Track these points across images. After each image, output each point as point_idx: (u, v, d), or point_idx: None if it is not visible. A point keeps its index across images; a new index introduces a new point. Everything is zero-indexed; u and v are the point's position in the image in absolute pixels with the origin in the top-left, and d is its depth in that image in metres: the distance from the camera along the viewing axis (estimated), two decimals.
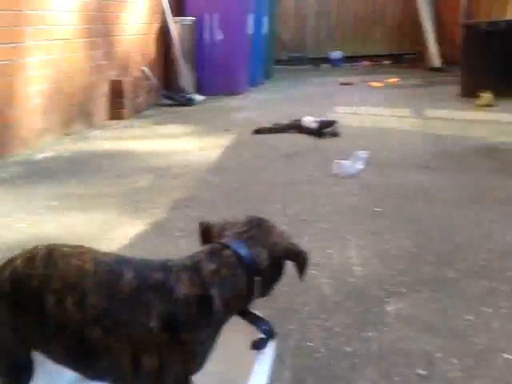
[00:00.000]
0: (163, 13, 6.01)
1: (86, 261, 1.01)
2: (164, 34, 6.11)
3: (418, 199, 2.66)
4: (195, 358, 1.01)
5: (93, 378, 1.07)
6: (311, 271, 1.92)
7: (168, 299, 0.97)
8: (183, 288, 0.99)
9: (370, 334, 1.56)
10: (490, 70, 5.22)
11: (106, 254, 1.06)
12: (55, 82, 4.22)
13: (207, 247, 1.09)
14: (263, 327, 1.13)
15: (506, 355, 1.42)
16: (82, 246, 1.07)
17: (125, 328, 0.97)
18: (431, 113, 4.93)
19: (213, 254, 1.05)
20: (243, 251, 1.05)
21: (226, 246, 1.06)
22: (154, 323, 0.96)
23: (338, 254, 2.08)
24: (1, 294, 1.03)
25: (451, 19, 8.04)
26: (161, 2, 6.00)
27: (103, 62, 4.94)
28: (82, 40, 4.57)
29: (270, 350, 1.12)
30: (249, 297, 1.08)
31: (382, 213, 2.49)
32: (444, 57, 8.04)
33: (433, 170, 3.16)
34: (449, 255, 2.02)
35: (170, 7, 5.96)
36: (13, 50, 3.71)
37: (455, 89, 5.80)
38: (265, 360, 1.10)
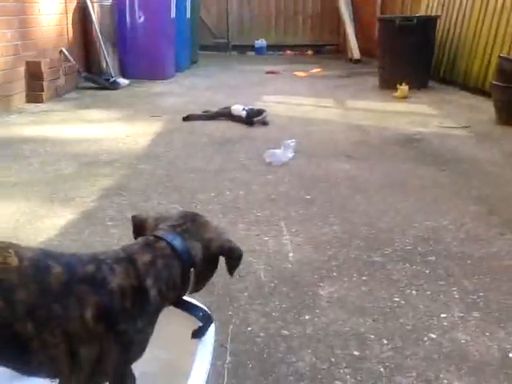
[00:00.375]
0: None
1: (8, 256, 0.97)
2: (82, 15, 5.85)
3: (344, 187, 2.79)
4: (133, 347, 1.03)
5: (29, 374, 1.05)
6: (248, 258, 1.98)
7: (102, 291, 0.97)
8: (118, 279, 0.99)
9: (306, 317, 1.64)
10: (404, 64, 5.52)
11: (29, 248, 1.03)
12: None
13: (141, 239, 1.09)
14: (200, 314, 1.16)
15: (431, 335, 1.55)
16: (2, 242, 1.03)
17: (58, 322, 0.95)
18: (353, 103, 5.15)
19: (147, 246, 1.06)
20: (178, 243, 1.07)
21: (161, 238, 1.07)
22: (88, 315, 0.96)
23: (272, 241, 2.14)
24: None
25: (369, 13, 8.39)
26: None
27: (18, 42, 4.65)
28: None
29: (210, 336, 1.16)
30: (183, 288, 1.10)
31: (313, 200, 2.59)
32: (363, 49, 8.38)
33: (356, 158, 3.31)
34: (375, 240, 2.15)
35: None
36: None
37: (374, 80, 6.08)
38: (206, 346, 1.13)
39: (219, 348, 1.44)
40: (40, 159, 3.17)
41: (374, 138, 3.84)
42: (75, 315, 0.95)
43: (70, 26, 5.66)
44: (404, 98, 5.25)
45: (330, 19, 9.98)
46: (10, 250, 0.98)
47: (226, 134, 3.90)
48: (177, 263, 1.06)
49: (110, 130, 3.96)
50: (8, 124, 4.04)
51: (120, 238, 2.10)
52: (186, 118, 4.30)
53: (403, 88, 5.28)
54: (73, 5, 5.72)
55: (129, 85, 5.86)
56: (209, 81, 6.55)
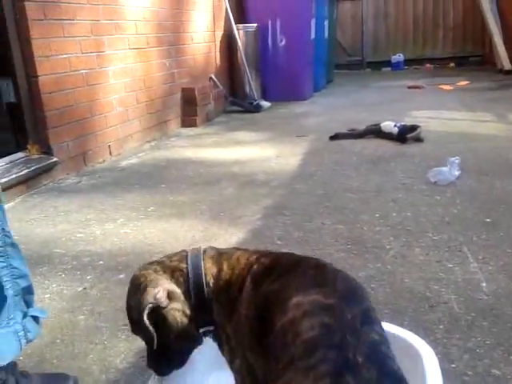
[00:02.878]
0: (226, 20, 6.04)
1: None
2: (228, 42, 6.13)
3: None
4: None
5: None
6: (434, 286, 1.83)
7: None
8: None
9: None
10: None
11: None
12: (133, 90, 4.29)
13: None
14: None
15: None
16: None
17: None
18: None
19: None
20: None
21: None
22: None
23: (459, 269, 1.95)
24: None
25: None
26: (223, 10, 6.02)
27: (175, 71, 4.99)
28: (154, 49, 4.64)
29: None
30: None
31: (495, 224, 2.34)
32: None
33: None
34: None
35: (233, 14, 5.98)
36: (95, 59, 3.79)
37: None
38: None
39: None
40: (202, 179, 3.32)
41: None
42: None
43: (218, 53, 5.97)
44: None
45: (473, 29, 9.37)
46: None
47: (378, 152, 3.76)
48: None
49: (259, 150, 4.04)
50: (169, 147, 4.33)
51: None
52: (333, 137, 4.25)
53: None
54: (220, 32, 6.04)
55: (270, 107, 5.99)
56: (347, 99, 6.46)
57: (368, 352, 0.76)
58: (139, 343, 1.59)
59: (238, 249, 1.11)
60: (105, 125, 3.91)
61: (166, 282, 1.05)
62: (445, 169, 2.91)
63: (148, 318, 1.00)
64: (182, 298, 1.04)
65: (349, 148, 3.94)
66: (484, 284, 1.83)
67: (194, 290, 1.05)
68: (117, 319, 1.74)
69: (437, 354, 1.47)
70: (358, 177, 3.21)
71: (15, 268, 1.22)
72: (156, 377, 1.12)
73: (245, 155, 3.91)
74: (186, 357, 1.10)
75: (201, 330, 1.07)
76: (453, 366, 1.43)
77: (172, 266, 1.07)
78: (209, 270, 1.05)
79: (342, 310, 0.82)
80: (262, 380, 0.93)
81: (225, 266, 1.05)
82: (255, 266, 1.01)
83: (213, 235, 2.39)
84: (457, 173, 2.95)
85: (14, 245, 1.23)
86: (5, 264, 1.20)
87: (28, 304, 1.28)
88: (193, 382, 1.22)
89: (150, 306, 1.01)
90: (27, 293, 1.27)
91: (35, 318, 1.29)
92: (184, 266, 1.07)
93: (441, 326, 1.60)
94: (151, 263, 1.11)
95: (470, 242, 2.17)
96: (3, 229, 1.21)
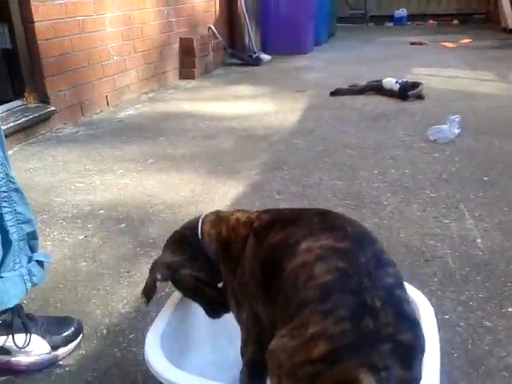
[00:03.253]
0: None
1: None
2: None
3: None
4: None
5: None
6: (430, 241, 1.86)
7: None
8: None
9: (510, 309, 1.49)
10: None
11: None
12: (130, 38, 4.19)
13: None
14: None
15: None
16: None
17: None
18: None
19: None
20: None
21: None
22: None
23: (455, 225, 1.98)
24: None
25: None
26: None
27: (173, 19, 4.86)
28: None
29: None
30: None
31: (492, 182, 2.36)
32: None
33: None
34: None
35: None
36: (91, 5, 3.68)
37: None
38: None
39: None
40: (201, 133, 3.30)
41: None
42: None
43: (218, 1, 5.79)
44: None
45: None
46: None
47: (378, 109, 3.73)
48: None
49: (259, 105, 4.00)
50: (167, 99, 4.27)
51: None
52: (334, 93, 4.20)
53: None
54: None
55: (270, 60, 5.88)
56: (349, 54, 6.34)
57: (385, 296, 0.78)
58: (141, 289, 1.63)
59: (237, 210, 1.16)
60: (102, 74, 3.84)
61: (168, 256, 1.16)
62: (445, 127, 2.90)
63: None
64: (187, 263, 1.13)
65: (349, 104, 3.91)
66: (479, 240, 1.87)
67: (195, 253, 1.12)
68: (119, 266, 1.77)
69: (431, 306, 1.53)
70: (358, 133, 3.20)
71: (20, 213, 1.23)
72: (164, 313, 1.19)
73: (244, 109, 3.87)
74: (217, 305, 1.18)
75: (218, 285, 1.15)
76: (446, 317, 1.48)
77: (181, 233, 1.18)
78: (208, 233, 1.12)
79: (356, 253, 0.83)
80: (267, 327, 0.96)
81: (224, 228, 1.10)
82: (256, 223, 1.04)
83: (212, 188, 2.40)
84: (456, 131, 2.94)
85: (18, 190, 1.23)
86: (9, 209, 1.21)
87: (33, 249, 1.30)
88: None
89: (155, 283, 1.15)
90: (32, 238, 1.29)
91: (40, 263, 1.31)
92: (187, 232, 1.16)
93: (435, 280, 1.65)
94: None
95: (467, 200, 2.20)
96: (7, 174, 1.21)
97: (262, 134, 3.27)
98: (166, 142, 3.14)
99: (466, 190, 2.30)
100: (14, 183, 1.22)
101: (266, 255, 0.96)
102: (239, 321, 1.08)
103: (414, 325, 0.78)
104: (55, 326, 1.38)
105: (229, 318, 1.13)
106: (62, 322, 1.40)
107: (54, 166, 2.76)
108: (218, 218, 1.14)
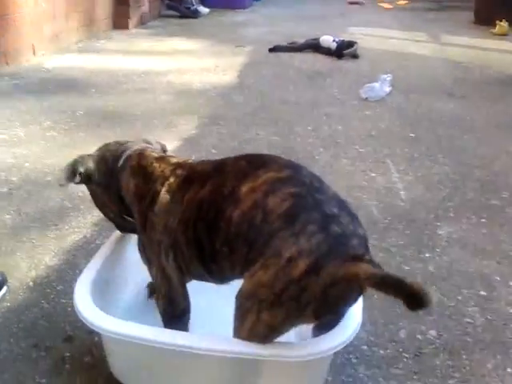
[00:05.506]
0: None
1: None
2: None
3: (450, 126, 2.66)
4: None
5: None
6: (357, 193, 1.96)
7: None
8: None
9: (427, 255, 1.61)
10: None
11: None
12: None
13: None
14: None
15: None
16: None
17: None
18: (447, 39, 4.81)
19: None
20: None
21: None
22: None
23: (381, 178, 2.09)
24: None
25: None
26: None
27: None
28: None
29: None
30: None
31: (418, 138, 2.49)
32: None
33: (458, 97, 3.13)
34: (491, 183, 2.05)
35: None
36: None
37: (468, 15, 5.62)
38: None
39: None
40: (135, 86, 3.21)
41: (475, 76, 3.59)
42: None
43: None
44: (504, 35, 4.84)
45: None
46: None
47: (315, 67, 3.77)
48: None
49: (197, 59, 3.92)
50: (99, 49, 4.09)
51: None
52: (272, 49, 4.19)
53: (503, 25, 4.86)
54: None
55: (209, 14, 5.74)
56: (288, 10, 6.30)
57: (337, 203, 0.90)
58: (70, 242, 1.62)
59: (160, 158, 1.09)
60: (28, 22, 3.60)
61: (91, 164, 1.14)
62: (376, 85, 2.99)
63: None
64: (101, 188, 1.15)
65: (287, 61, 3.92)
66: (402, 192, 1.99)
67: (109, 182, 1.12)
68: (45, 219, 1.74)
69: None
70: (295, 90, 3.24)
71: None
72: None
73: (182, 64, 3.79)
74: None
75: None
76: None
77: (106, 158, 1.15)
78: (126, 181, 1.09)
79: (299, 177, 0.92)
80: (178, 287, 1.04)
81: (140, 179, 1.06)
82: (171, 179, 1.02)
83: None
84: (387, 89, 3.05)
85: None
86: None
87: None
88: None
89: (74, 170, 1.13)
90: None
91: None
92: (110, 160, 1.13)
93: None
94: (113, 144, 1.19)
95: (394, 155, 2.31)
96: None
97: (199, 88, 3.23)
98: (97, 94, 3.03)
99: (393, 145, 2.41)
100: None
101: (196, 212, 0.95)
102: (151, 274, 1.09)
103: (359, 222, 0.92)
104: None
105: None
106: None
107: None
108: (138, 165, 1.08)
